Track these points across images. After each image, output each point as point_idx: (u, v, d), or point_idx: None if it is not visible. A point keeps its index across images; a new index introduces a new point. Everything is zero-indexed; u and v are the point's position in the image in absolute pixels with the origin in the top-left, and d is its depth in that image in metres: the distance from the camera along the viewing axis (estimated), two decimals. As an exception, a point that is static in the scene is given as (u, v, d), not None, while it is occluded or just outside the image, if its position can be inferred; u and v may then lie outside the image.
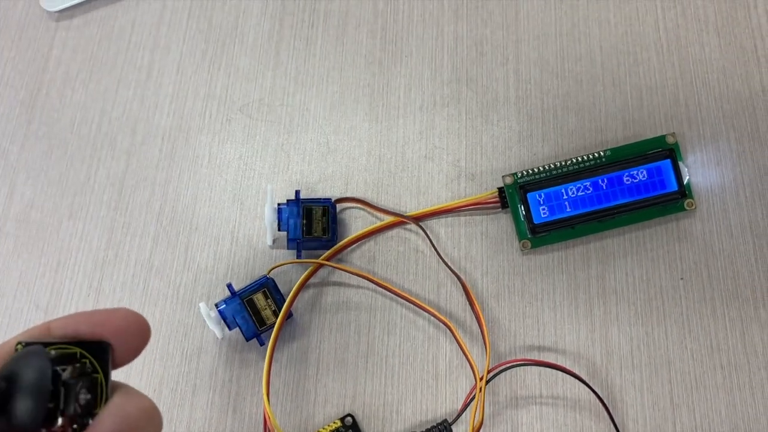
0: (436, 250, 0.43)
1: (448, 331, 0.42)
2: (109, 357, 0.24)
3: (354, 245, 0.45)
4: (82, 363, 0.23)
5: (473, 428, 0.37)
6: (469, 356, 0.39)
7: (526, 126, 0.47)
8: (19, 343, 0.23)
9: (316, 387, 0.43)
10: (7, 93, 0.54)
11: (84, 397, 0.23)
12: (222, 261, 0.46)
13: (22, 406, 0.21)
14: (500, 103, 0.47)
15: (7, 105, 0.53)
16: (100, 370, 0.23)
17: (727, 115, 0.45)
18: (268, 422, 0.39)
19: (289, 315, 0.43)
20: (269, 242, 0.45)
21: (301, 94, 0.50)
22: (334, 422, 0.41)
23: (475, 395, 0.38)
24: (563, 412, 0.40)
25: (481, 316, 0.41)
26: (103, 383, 0.23)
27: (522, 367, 0.41)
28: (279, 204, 0.45)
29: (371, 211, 0.46)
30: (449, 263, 0.43)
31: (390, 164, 0.47)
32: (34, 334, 0.24)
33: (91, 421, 0.22)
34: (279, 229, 0.45)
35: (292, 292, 0.42)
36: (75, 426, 0.22)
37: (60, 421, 0.22)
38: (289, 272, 0.45)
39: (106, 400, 0.23)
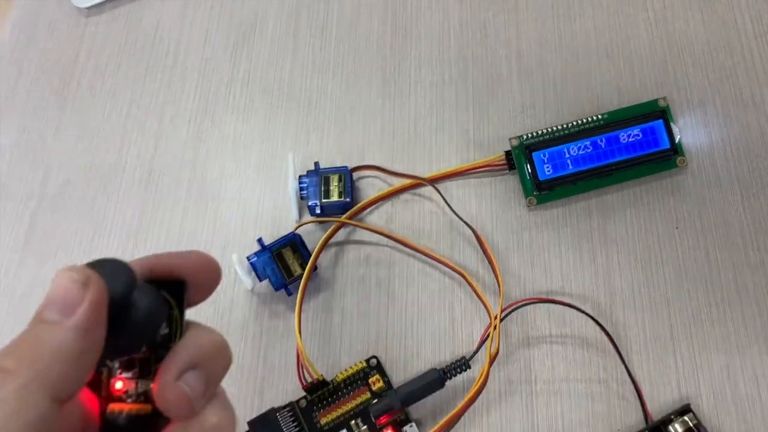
0: (448, 204, 0.47)
1: (462, 281, 0.45)
2: (184, 295, 0.25)
3: (372, 207, 0.49)
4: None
5: (490, 355, 0.40)
6: (483, 298, 0.43)
7: (529, 97, 0.50)
8: None
9: (341, 334, 0.46)
10: (41, 84, 0.57)
11: (163, 329, 0.24)
12: (249, 227, 0.50)
13: (140, 323, 0.23)
14: (504, 77, 0.51)
15: (41, 95, 0.57)
16: (176, 307, 0.25)
17: (712, 82, 0.49)
18: (300, 357, 0.42)
19: (314, 270, 0.46)
20: (294, 214, 0.48)
21: (318, 76, 0.54)
22: (360, 363, 0.44)
23: (489, 333, 0.41)
24: (572, 348, 0.43)
25: (492, 257, 0.44)
26: (179, 319, 0.25)
27: (532, 308, 0.44)
28: (300, 176, 0.49)
29: (385, 175, 0.49)
30: (462, 217, 0.46)
31: (403, 137, 0.51)
32: None
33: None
34: (301, 198, 0.48)
35: (317, 247, 0.45)
36: (154, 355, 0.24)
37: (143, 348, 0.24)
38: (313, 233, 0.48)
39: (181, 335, 0.25)
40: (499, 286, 0.43)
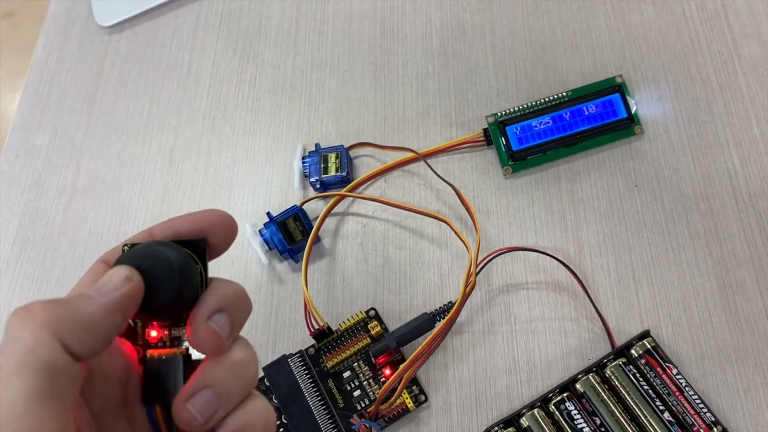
0: (431, 167, 0.53)
1: (449, 239, 0.51)
2: (206, 251, 0.29)
3: (367, 183, 0.55)
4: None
5: (464, 291, 0.45)
6: (465, 241, 0.48)
7: (503, 83, 0.57)
8: (126, 244, 0.28)
9: (343, 293, 0.51)
10: (71, 92, 0.64)
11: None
12: (259, 205, 0.56)
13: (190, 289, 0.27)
14: (481, 67, 0.58)
15: (71, 102, 0.64)
16: (199, 262, 0.28)
17: (664, 62, 0.56)
18: (308, 306, 0.47)
19: (317, 240, 0.52)
20: (296, 186, 0.54)
21: (317, 74, 0.61)
22: (360, 313, 0.49)
23: (472, 281, 0.47)
24: (546, 292, 0.49)
25: (469, 205, 0.50)
26: (203, 272, 0.28)
27: (510, 260, 0.50)
28: (303, 157, 0.55)
29: (379, 155, 0.56)
30: (444, 177, 0.52)
31: (393, 121, 0.57)
32: (138, 238, 0.28)
33: None
34: (305, 176, 0.54)
35: (320, 217, 0.51)
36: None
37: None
38: (316, 209, 0.55)
39: (206, 286, 0.28)
40: (477, 232, 0.49)
